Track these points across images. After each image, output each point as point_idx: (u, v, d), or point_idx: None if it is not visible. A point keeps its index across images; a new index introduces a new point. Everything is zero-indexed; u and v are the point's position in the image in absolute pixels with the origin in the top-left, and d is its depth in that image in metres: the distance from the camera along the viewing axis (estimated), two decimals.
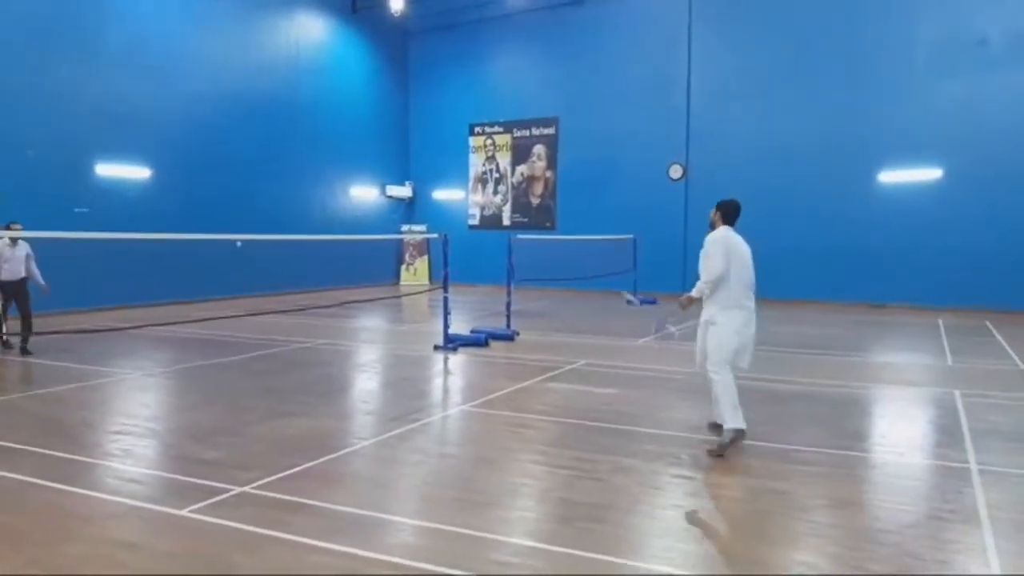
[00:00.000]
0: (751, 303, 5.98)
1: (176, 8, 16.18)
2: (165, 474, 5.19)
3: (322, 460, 5.43)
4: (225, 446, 5.80)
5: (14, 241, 9.92)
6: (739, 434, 5.81)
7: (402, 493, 4.92)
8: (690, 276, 20.95)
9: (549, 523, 4.39)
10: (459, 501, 4.70)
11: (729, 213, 6.21)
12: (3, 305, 10.00)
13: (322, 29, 20.38)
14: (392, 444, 5.94)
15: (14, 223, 9.62)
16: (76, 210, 13.98)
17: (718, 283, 5.89)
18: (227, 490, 4.73)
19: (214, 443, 5.88)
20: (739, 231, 6.23)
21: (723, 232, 6.09)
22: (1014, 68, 15.65)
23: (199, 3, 16.76)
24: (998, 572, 3.72)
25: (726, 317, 5.89)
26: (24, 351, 10.00)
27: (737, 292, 5.89)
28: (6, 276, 9.94)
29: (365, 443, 5.98)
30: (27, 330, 10.03)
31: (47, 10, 13.78)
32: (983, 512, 4.48)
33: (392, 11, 21.05)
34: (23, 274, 10.10)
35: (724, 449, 5.70)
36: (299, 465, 5.27)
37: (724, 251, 5.89)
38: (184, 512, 4.36)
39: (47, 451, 5.61)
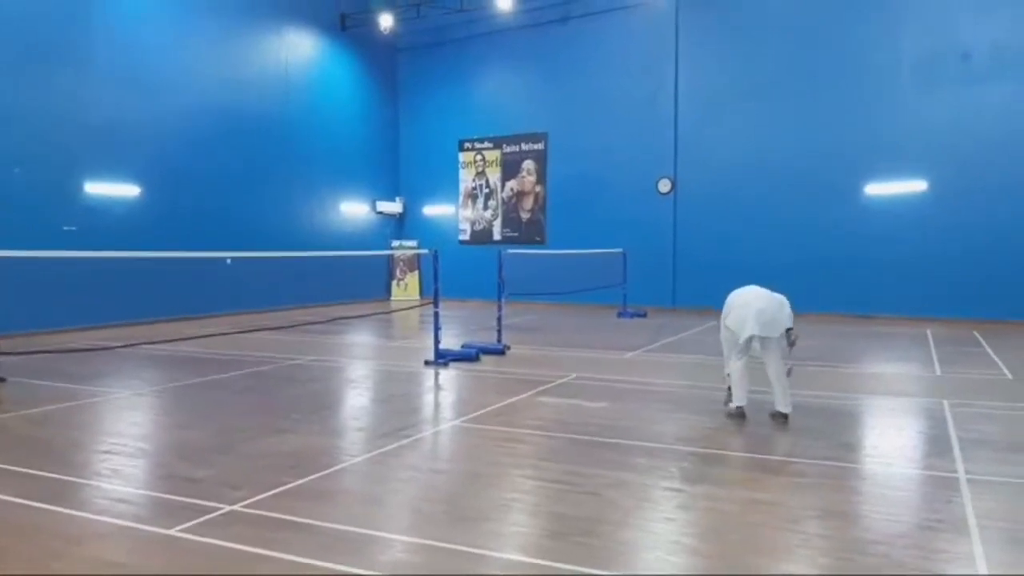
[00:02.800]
0: (753, 295, 7.31)
1: (165, 26, 16.22)
2: (154, 493, 5.16)
3: (313, 477, 5.41)
4: (215, 464, 5.77)
5: None
6: (735, 412, 7.26)
7: (393, 509, 4.91)
8: (680, 289, 21.04)
9: (541, 538, 4.38)
10: (450, 517, 4.69)
11: None
12: None
13: (311, 46, 20.46)
14: (383, 460, 5.93)
15: None
16: (64, 228, 13.94)
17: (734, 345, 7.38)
18: (216, 509, 4.71)
19: (204, 461, 5.86)
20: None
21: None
22: (997, 82, 15.85)
23: (188, 21, 16.80)
24: None
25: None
26: None
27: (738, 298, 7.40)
28: None
29: (356, 460, 5.96)
30: None
31: (34, 28, 13.78)
32: (972, 521, 4.51)
33: (381, 28, 21.19)
34: None
35: (730, 415, 7.30)
36: (290, 483, 5.24)
37: (725, 312, 7.44)
38: (173, 531, 4.33)
39: (34, 471, 5.56)
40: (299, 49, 20.03)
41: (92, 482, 5.38)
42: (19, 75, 13.57)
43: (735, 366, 7.28)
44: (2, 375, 9.23)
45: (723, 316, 7.44)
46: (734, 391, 7.29)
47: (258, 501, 4.86)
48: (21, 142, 13.57)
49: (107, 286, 14.42)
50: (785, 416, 7.04)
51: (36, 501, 4.88)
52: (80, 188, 14.61)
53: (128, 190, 15.49)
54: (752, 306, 7.08)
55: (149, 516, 4.69)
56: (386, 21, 21.06)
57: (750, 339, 7.09)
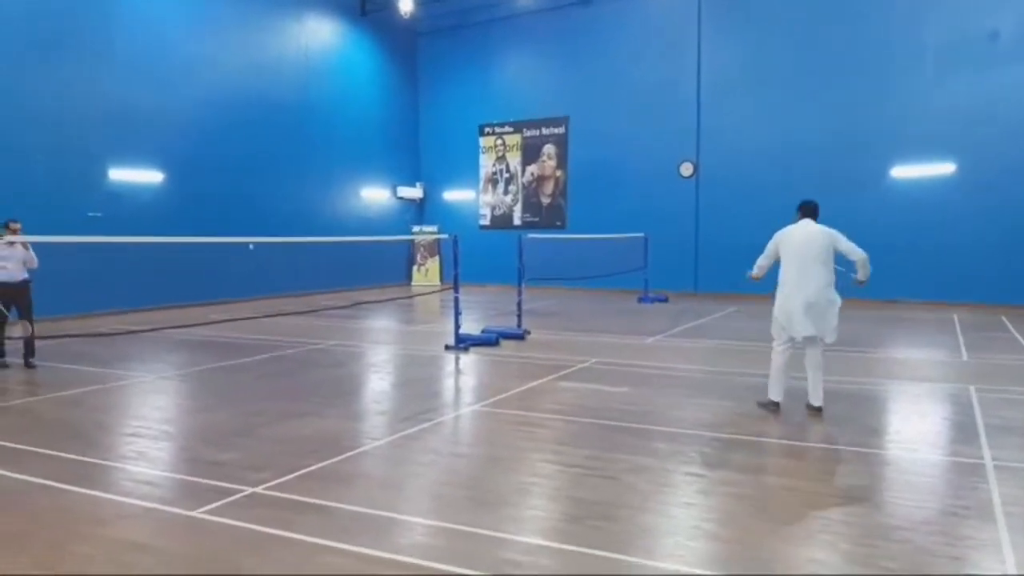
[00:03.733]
0: (802, 282, 6.69)
1: (185, 14, 16.27)
2: (178, 476, 5.22)
3: (334, 460, 5.44)
4: (238, 447, 5.83)
5: (12, 242, 8.90)
6: (769, 404, 6.88)
7: (414, 493, 4.93)
8: (702, 273, 20.80)
9: (560, 522, 4.38)
10: (471, 500, 4.70)
11: (799, 209, 7.21)
12: (1, 313, 9.12)
13: (331, 32, 20.45)
14: (404, 444, 5.95)
15: (12, 221, 9.07)
16: (89, 214, 14.09)
17: (766, 267, 7.13)
18: (239, 491, 4.76)
19: (227, 444, 5.92)
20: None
21: (786, 228, 7.10)
22: (1021, 62, 15.48)
23: (208, 9, 16.84)
24: (1013, 569, 3.68)
25: (777, 295, 6.91)
26: (28, 364, 9.23)
27: (787, 274, 6.83)
28: (3, 277, 9.07)
29: (377, 443, 5.99)
30: (31, 341, 9.19)
31: (57, 18, 13.87)
32: (998, 508, 4.44)
33: (401, 13, 21.06)
34: (24, 276, 9.26)
35: (762, 406, 6.95)
36: (311, 465, 5.28)
37: (773, 244, 7.04)
38: (195, 513, 4.39)
39: (61, 453, 5.65)
40: (319, 35, 20.03)
41: (118, 464, 5.46)
42: (41, 65, 13.68)
43: (777, 357, 6.89)
44: (35, 362, 9.36)
45: (770, 250, 7.03)
46: (771, 385, 6.91)
47: (280, 484, 4.90)
48: (45, 131, 13.71)
49: (132, 271, 14.59)
50: (819, 409, 6.75)
51: (63, 483, 4.96)
52: (104, 175, 14.76)
53: (151, 176, 15.62)
54: (802, 296, 6.64)
55: (173, 498, 4.75)
56: (406, 5, 20.94)
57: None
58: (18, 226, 9.12)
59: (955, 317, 14.12)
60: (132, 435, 6.26)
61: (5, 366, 9.30)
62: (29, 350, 9.37)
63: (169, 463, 5.58)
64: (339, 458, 5.51)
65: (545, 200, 21.78)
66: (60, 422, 6.81)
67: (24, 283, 9.30)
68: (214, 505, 4.50)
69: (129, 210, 14.90)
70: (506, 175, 22.37)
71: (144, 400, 7.84)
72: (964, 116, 16.08)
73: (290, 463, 5.33)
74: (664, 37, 19.45)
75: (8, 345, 9.48)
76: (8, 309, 9.23)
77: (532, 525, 4.32)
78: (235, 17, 17.58)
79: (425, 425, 6.49)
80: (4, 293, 9.13)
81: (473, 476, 5.24)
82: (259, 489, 4.80)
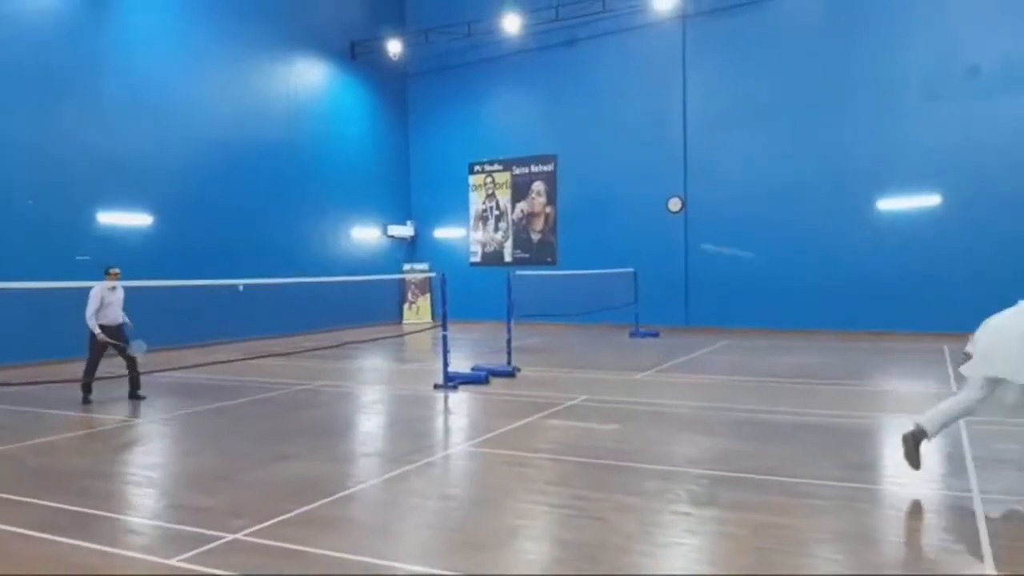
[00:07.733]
0: None
1: (175, 57, 16.44)
2: (159, 523, 5.14)
3: (318, 504, 5.37)
4: (221, 492, 5.76)
5: (114, 286, 9.95)
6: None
7: (398, 537, 4.86)
8: (693, 308, 20.58)
9: (546, 565, 4.33)
10: (457, 544, 4.64)
11: None
12: (98, 356, 9.92)
13: (321, 75, 20.66)
14: (390, 486, 5.89)
15: (113, 268, 9.98)
16: (77, 257, 14.06)
17: None
18: (219, 538, 4.68)
19: (210, 489, 5.84)
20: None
21: None
22: (1006, 94, 15.75)
23: (198, 52, 17.02)
24: None
25: None
26: (136, 396, 10.02)
27: None
28: (106, 320, 9.89)
29: (363, 486, 5.93)
30: (136, 374, 10.08)
31: (43, 62, 13.97)
32: (985, 543, 4.40)
33: (390, 55, 21.40)
34: (122, 319, 10.15)
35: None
36: (295, 510, 5.21)
37: None
38: (173, 561, 4.31)
39: (40, 502, 5.57)
40: (309, 77, 20.24)
41: (99, 512, 5.37)
42: (31, 108, 13.77)
43: None
44: (142, 394, 10.06)
45: None
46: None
47: (261, 529, 4.83)
48: (34, 174, 13.75)
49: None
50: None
51: (42, 532, 4.88)
52: (93, 219, 14.77)
53: (141, 219, 15.64)
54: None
55: (152, 546, 4.68)
56: (395, 48, 21.28)
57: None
58: (117, 271, 9.98)
59: (945, 348, 14.12)
60: (115, 481, 6.19)
61: (89, 402, 9.82)
62: (135, 384, 10.09)
63: (151, 510, 5.50)
64: (323, 502, 5.44)
65: (535, 236, 21.87)
66: (42, 469, 6.71)
67: (122, 326, 10.13)
68: (193, 553, 4.43)
69: (118, 253, 14.83)
70: (496, 212, 22.48)
71: (127, 445, 7.76)
72: (952, 148, 16.24)
73: (273, 508, 5.25)
74: (649, 74, 19.72)
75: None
76: (105, 349, 9.97)
77: (518, 569, 4.26)
78: (225, 61, 17.76)
79: (411, 467, 6.43)
80: (108, 335, 9.85)
81: (459, 519, 5.18)
82: (240, 535, 4.72)
